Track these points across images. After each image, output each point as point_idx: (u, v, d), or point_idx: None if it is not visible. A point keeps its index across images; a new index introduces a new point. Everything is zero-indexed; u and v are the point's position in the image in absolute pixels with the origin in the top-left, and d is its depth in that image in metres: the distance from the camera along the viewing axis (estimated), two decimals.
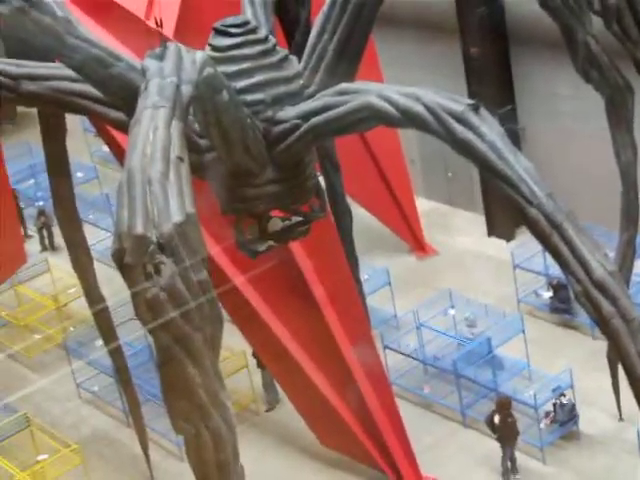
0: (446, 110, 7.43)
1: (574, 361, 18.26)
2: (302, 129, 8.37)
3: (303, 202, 9.00)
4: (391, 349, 19.17)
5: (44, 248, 25.40)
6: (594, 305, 6.94)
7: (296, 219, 9.02)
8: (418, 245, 22.96)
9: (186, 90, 6.83)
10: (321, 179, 9.85)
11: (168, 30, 12.89)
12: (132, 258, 5.91)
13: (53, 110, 13.09)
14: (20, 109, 28.96)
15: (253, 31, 8.58)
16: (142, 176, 6.10)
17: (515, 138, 20.81)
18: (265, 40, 8.58)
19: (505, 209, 17.72)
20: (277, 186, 8.66)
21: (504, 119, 18.65)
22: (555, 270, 16.80)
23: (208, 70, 7.32)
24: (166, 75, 6.84)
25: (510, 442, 16.89)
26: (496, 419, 16.81)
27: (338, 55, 8.70)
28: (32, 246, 24.49)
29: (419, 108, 7.57)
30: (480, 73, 21.92)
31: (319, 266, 15.64)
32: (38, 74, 8.76)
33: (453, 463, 17.32)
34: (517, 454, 16.99)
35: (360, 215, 19.39)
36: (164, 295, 5.92)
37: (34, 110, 16.84)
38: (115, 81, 7.97)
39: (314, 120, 8.31)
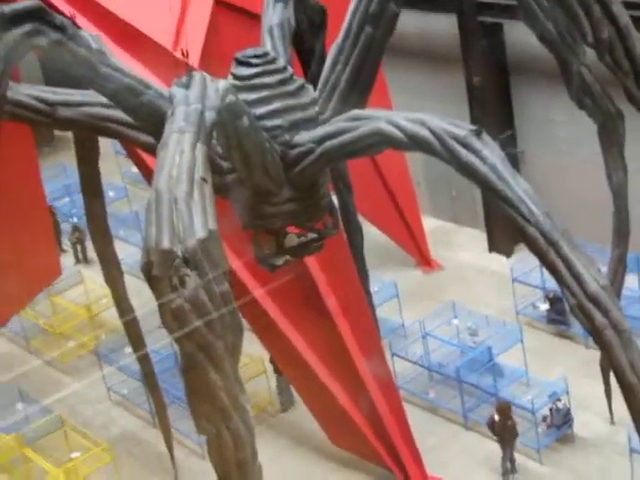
0: (450, 135, 7.43)
1: (569, 369, 18.19)
2: (317, 152, 8.37)
3: (317, 220, 9.00)
4: (399, 356, 19.12)
5: (78, 261, 25.42)
6: (588, 317, 6.92)
7: (311, 235, 9.01)
8: (424, 260, 22.92)
9: (210, 116, 6.84)
10: (334, 198, 9.85)
11: (194, 60, 12.90)
12: (159, 271, 5.93)
13: (87, 134, 13.12)
14: (57, 133, 29.03)
15: (272, 61, 8.59)
16: (169, 195, 6.12)
17: (514, 161, 20.78)
18: (283, 70, 8.60)
19: (505, 227, 17.68)
20: (293, 205, 8.66)
21: (504, 143, 18.63)
22: (551, 284, 16.72)
23: (230, 98, 7.34)
24: (191, 102, 6.86)
25: (509, 444, 16.81)
26: (496, 422, 16.75)
27: (350, 84, 8.71)
28: (67, 259, 24.51)
29: (425, 133, 7.56)
30: (482, 101, 21.91)
31: (332, 279, 15.62)
32: (73, 101, 8.78)
33: (456, 463, 17.24)
34: (516, 455, 16.90)
35: (370, 232, 19.38)
36: (188, 306, 5.93)
37: (69, 134, 16.88)
38: (144, 108, 7.98)
39: (328, 144, 8.31)
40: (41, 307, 22.82)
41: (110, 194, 25.11)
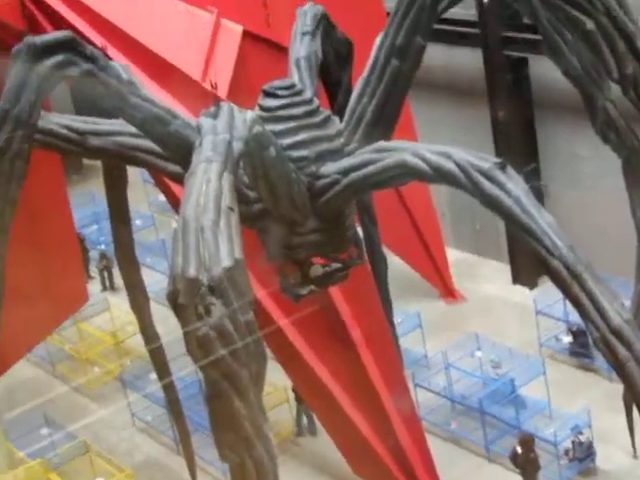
0: (475, 168, 7.41)
1: (592, 402, 18.04)
2: (342, 183, 8.38)
3: (343, 251, 8.99)
4: (421, 387, 19.04)
5: (104, 288, 25.49)
6: (611, 350, 6.87)
7: (336, 266, 9.00)
8: (448, 291, 22.85)
9: (237, 146, 6.87)
10: (359, 229, 9.85)
11: (222, 91, 12.97)
12: (185, 299, 5.93)
13: (116, 163, 13.17)
14: (85, 161, 29.18)
15: (299, 93, 8.62)
16: (195, 224, 6.13)
17: (538, 194, 20.72)
18: (310, 101, 8.62)
19: (529, 259, 17.60)
20: (319, 235, 8.66)
21: (528, 177, 18.57)
22: (575, 317, 16.60)
23: (257, 128, 7.36)
24: (219, 132, 6.89)
25: (532, 477, 16.68)
26: (519, 455, 16.63)
27: (376, 116, 8.72)
28: (94, 286, 24.58)
29: (450, 165, 7.55)
30: (507, 134, 21.89)
31: (356, 310, 15.59)
32: (103, 130, 8.83)
33: None
34: None
35: (394, 263, 19.33)
36: (214, 334, 5.93)
37: (98, 162, 16.93)
38: (172, 137, 8.03)
39: (353, 175, 8.31)
40: (67, 333, 22.86)
41: (137, 222, 25.15)
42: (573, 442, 17.21)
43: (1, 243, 8.26)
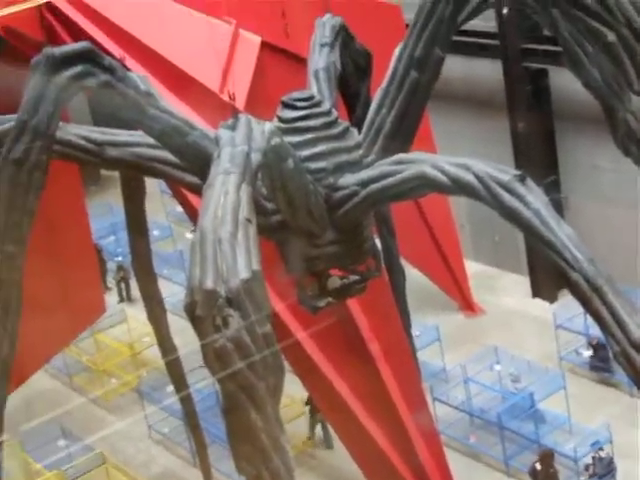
0: (494, 180, 7.39)
1: (612, 416, 17.96)
2: (360, 195, 8.37)
3: (360, 262, 8.97)
4: (440, 401, 18.99)
5: (122, 299, 25.56)
6: (631, 364, 6.82)
7: (353, 278, 8.98)
8: (466, 304, 22.81)
9: (255, 158, 6.87)
10: (377, 241, 9.84)
11: (240, 103, 13.00)
12: (202, 311, 5.93)
13: (133, 174, 13.23)
14: (103, 172, 29.31)
15: (317, 105, 8.62)
16: (213, 236, 6.13)
17: (558, 207, 20.68)
18: (328, 113, 8.62)
19: (548, 272, 17.57)
20: (337, 247, 8.65)
21: (548, 189, 18.43)
22: (595, 330, 16.57)
23: (275, 140, 7.37)
24: (237, 144, 6.89)
25: None
26: (538, 470, 16.55)
27: (395, 128, 8.71)
28: (111, 297, 24.65)
29: (469, 177, 7.53)
30: (526, 146, 21.86)
31: (374, 322, 15.56)
32: (120, 141, 8.85)
33: None
34: None
35: (413, 275, 19.31)
36: (231, 346, 5.92)
37: (116, 173, 17.03)
38: (190, 148, 8.04)
39: (372, 187, 8.31)
40: (85, 344, 22.93)
41: (155, 233, 25.21)
42: (593, 457, 17.12)
43: (19, 254, 8.28)
